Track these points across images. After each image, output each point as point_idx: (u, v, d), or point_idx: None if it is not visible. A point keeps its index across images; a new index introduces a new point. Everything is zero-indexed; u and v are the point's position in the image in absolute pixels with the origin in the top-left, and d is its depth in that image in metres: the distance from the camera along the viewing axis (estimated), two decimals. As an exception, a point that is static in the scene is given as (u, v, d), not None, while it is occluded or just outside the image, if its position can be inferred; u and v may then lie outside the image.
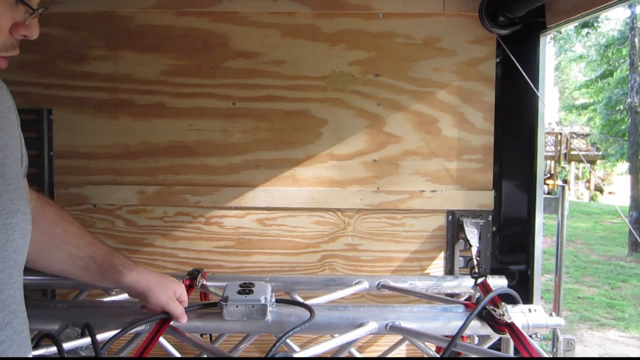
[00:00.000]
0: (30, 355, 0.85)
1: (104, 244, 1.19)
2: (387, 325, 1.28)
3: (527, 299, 1.74)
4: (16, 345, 0.78)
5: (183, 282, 1.51)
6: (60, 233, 1.11)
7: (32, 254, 1.00)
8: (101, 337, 1.18)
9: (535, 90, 1.68)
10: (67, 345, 1.15)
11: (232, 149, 1.79)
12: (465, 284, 1.66)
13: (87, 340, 1.17)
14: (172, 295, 1.22)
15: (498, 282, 1.65)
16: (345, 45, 1.77)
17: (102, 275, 1.17)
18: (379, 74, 1.77)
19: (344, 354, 1.44)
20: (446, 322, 1.30)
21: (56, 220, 1.11)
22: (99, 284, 1.20)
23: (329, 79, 1.78)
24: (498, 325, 1.24)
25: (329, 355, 1.38)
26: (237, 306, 1.23)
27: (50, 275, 1.23)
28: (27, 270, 0.97)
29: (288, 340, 1.33)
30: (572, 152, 18.53)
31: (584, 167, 19.52)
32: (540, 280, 1.77)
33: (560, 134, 17.92)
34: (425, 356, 1.48)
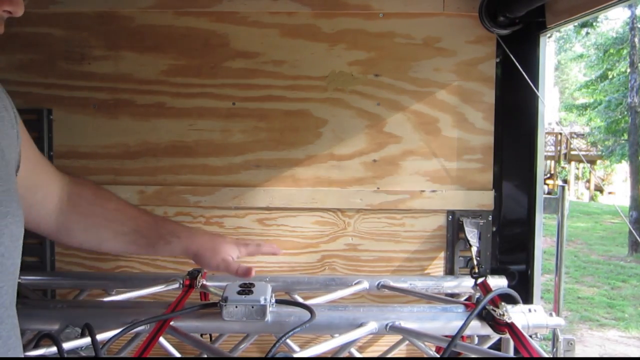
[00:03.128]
0: None
1: (148, 214, 1.17)
2: (387, 325, 1.28)
3: (527, 299, 1.73)
4: (1, 352, 0.76)
5: (183, 282, 1.52)
6: (100, 212, 1.10)
7: (79, 236, 1.04)
8: (101, 337, 1.18)
9: (535, 90, 1.68)
10: (67, 345, 1.15)
11: (232, 149, 1.79)
12: (465, 284, 1.66)
13: (87, 340, 1.16)
14: (225, 258, 1.20)
15: (498, 282, 1.65)
16: (345, 45, 1.77)
17: (153, 248, 1.16)
18: (379, 74, 1.77)
19: (344, 354, 1.44)
20: (446, 322, 1.30)
21: (94, 200, 1.10)
22: (156, 254, 1.19)
23: (329, 79, 1.78)
24: (498, 325, 1.24)
25: (329, 355, 1.38)
26: (236, 306, 1.23)
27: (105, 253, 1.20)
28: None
29: (288, 340, 1.34)
30: (572, 152, 18.54)
31: (584, 167, 19.53)
32: (540, 280, 1.77)
33: (560, 134, 17.93)
34: (425, 356, 1.48)
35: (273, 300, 1.27)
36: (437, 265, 1.81)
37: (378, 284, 1.64)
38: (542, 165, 1.78)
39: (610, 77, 14.01)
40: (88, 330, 1.16)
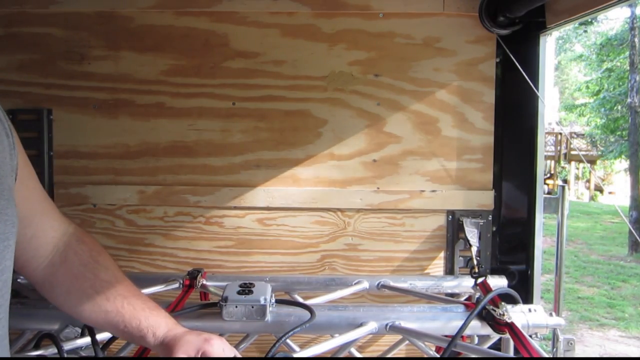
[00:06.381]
0: None
1: (138, 297, 1.00)
2: (387, 325, 1.28)
3: (527, 299, 1.73)
4: None
5: (183, 282, 1.52)
6: (90, 278, 0.99)
7: (60, 296, 0.97)
8: (101, 337, 1.18)
9: (535, 90, 1.68)
10: (67, 345, 1.15)
11: (232, 149, 1.79)
12: (465, 284, 1.66)
13: (87, 340, 1.17)
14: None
15: (498, 282, 1.65)
16: (345, 45, 1.76)
17: (130, 337, 1.00)
18: (379, 74, 1.77)
19: (344, 354, 1.44)
20: (446, 322, 1.30)
21: (88, 262, 1.00)
22: (132, 342, 1.02)
23: (329, 79, 1.78)
24: (498, 325, 1.24)
25: (329, 355, 1.38)
26: (236, 306, 1.23)
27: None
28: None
29: (288, 340, 1.33)
30: (572, 152, 18.52)
31: (584, 167, 19.52)
32: (540, 280, 1.77)
33: (560, 134, 17.91)
34: (425, 356, 1.48)
35: (273, 300, 1.27)
36: (437, 265, 1.81)
37: (378, 284, 1.64)
38: (542, 165, 1.78)
39: (609, 73, 14.02)
40: (88, 330, 1.16)
